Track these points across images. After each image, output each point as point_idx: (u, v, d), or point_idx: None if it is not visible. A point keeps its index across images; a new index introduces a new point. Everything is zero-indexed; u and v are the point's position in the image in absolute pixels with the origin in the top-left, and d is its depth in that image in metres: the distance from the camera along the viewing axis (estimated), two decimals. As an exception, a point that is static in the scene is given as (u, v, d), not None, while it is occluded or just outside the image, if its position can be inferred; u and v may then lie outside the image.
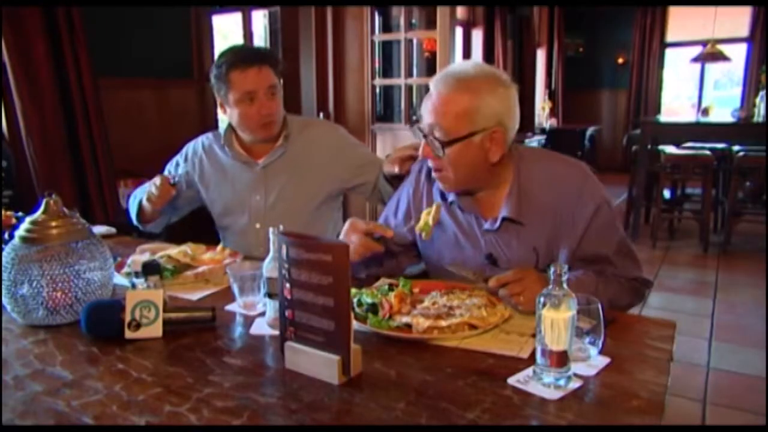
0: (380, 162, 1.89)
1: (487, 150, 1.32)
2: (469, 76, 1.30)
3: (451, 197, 1.43)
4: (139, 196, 1.88)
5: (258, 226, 1.87)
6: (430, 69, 4.90)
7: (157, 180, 1.76)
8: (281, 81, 1.84)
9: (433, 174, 1.40)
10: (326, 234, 1.97)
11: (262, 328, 1.21)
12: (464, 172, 1.34)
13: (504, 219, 1.36)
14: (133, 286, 1.34)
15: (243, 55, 1.78)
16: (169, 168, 2.01)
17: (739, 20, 7.50)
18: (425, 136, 1.33)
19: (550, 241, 1.36)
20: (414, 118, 1.38)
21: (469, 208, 1.42)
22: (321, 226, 1.95)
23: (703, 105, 6.30)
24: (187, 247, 1.63)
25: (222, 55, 1.81)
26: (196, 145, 2.00)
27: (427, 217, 1.38)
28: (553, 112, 8.22)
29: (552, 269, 0.95)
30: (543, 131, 7.67)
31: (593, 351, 1.03)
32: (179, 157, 2.01)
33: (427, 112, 1.31)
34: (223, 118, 1.96)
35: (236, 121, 1.83)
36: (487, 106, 1.28)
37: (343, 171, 1.92)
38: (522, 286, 1.20)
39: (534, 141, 6.69)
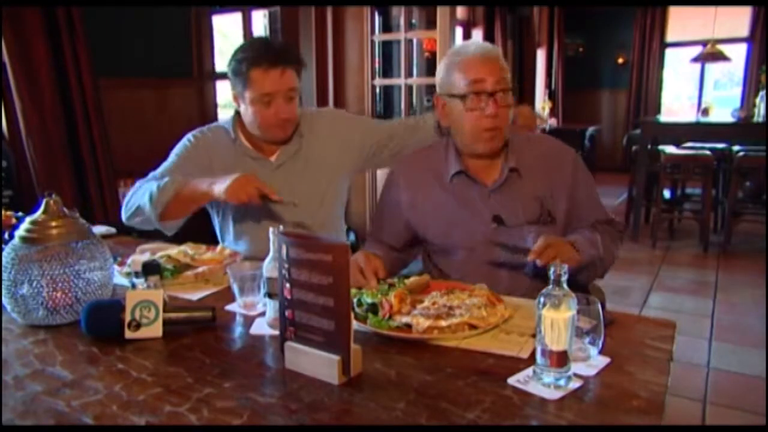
0: (379, 124, 1.96)
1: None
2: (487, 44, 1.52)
3: (455, 169, 1.52)
4: (171, 188, 1.61)
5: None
6: (430, 69, 4.90)
7: (257, 182, 1.55)
8: (301, 81, 1.75)
9: (486, 137, 1.46)
10: (343, 217, 1.97)
11: (262, 328, 1.20)
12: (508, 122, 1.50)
13: (510, 170, 1.49)
14: (133, 286, 1.35)
15: (267, 54, 1.65)
16: (179, 153, 1.81)
17: (739, 20, 7.49)
18: (492, 95, 1.41)
19: (548, 192, 1.51)
20: (455, 93, 1.44)
21: (475, 174, 1.52)
22: (338, 214, 1.93)
23: (703, 105, 6.29)
24: (187, 247, 1.63)
25: (243, 48, 1.70)
26: (206, 139, 1.83)
27: (417, 278, 1.39)
28: (553, 112, 8.22)
29: (552, 269, 0.95)
30: (543, 131, 7.67)
31: (593, 351, 1.03)
32: (188, 146, 1.81)
33: (490, 71, 1.41)
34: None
35: (249, 120, 1.75)
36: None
37: (355, 156, 1.90)
38: (555, 250, 1.29)
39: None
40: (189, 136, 1.86)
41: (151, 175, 1.77)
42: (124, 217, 1.75)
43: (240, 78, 1.68)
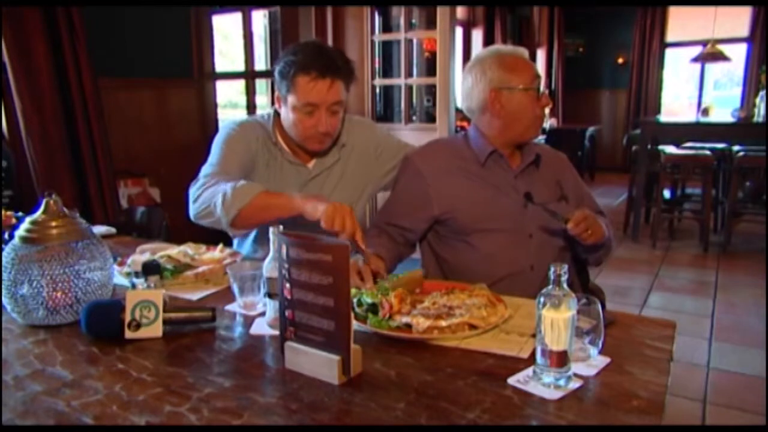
0: (407, 146, 1.92)
1: None
2: None
3: (491, 148, 1.65)
4: (249, 194, 1.47)
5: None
6: (430, 69, 4.90)
7: (354, 218, 1.40)
8: (348, 94, 1.67)
9: (539, 124, 1.67)
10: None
11: (262, 328, 1.21)
12: None
13: (537, 155, 1.68)
14: (133, 286, 1.35)
15: (318, 62, 1.57)
16: (227, 141, 1.69)
17: (739, 20, 7.50)
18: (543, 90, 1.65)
19: (560, 179, 1.71)
20: (536, 86, 1.62)
21: (510, 156, 1.68)
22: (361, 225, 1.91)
23: (703, 105, 6.30)
24: (187, 247, 1.63)
25: (294, 51, 1.61)
26: (252, 130, 1.73)
27: (411, 272, 1.40)
28: (553, 112, 8.22)
29: (552, 269, 0.95)
30: (543, 131, 7.66)
31: (593, 351, 1.03)
32: (235, 135, 1.70)
33: (537, 73, 1.64)
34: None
35: (288, 125, 1.68)
36: None
37: (382, 173, 1.87)
38: (588, 223, 1.47)
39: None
40: (233, 125, 1.74)
41: (203, 171, 1.63)
42: (192, 215, 1.58)
43: (285, 81, 1.60)
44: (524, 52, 1.66)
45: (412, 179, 1.69)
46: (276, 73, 1.64)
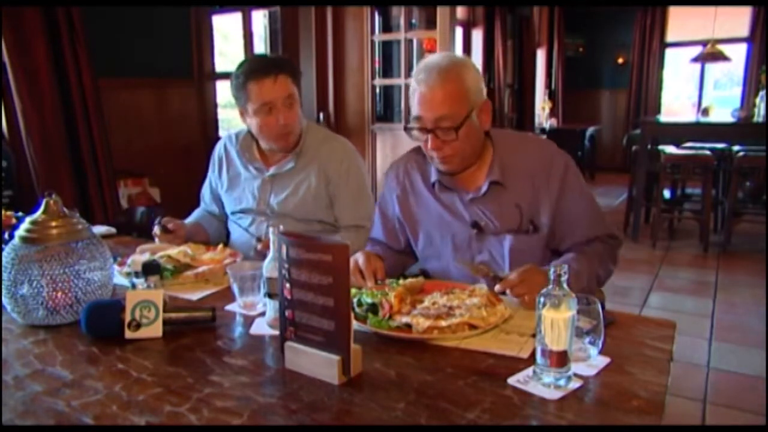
0: (345, 208, 1.90)
1: (482, 122, 1.47)
2: (447, 65, 1.41)
3: (434, 177, 1.54)
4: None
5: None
6: (430, 69, 4.90)
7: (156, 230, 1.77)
8: (299, 90, 1.84)
9: (437, 162, 1.48)
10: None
11: (262, 328, 1.21)
12: (471, 147, 1.46)
13: (492, 183, 1.48)
14: (133, 286, 1.35)
15: (259, 65, 1.78)
16: (209, 174, 2.06)
17: (739, 20, 7.49)
18: (431, 131, 1.41)
19: (530, 201, 1.48)
20: (408, 125, 1.46)
21: (452, 186, 1.53)
22: (324, 228, 1.94)
23: (703, 105, 6.30)
24: (187, 247, 1.63)
25: (240, 65, 1.81)
26: (220, 151, 2.03)
27: (413, 280, 1.38)
28: (553, 112, 8.22)
29: (552, 269, 0.95)
30: (543, 131, 7.67)
31: (593, 351, 1.03)
32: (211, 164, 2.05)
33: (427, 110, 1.40)
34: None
35: (255, 131, 1.85)
36: (472, 84, 1.43)
37: (323, 205, 1.89)
38: (526, 287, 1.25)
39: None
40: (213, 154, 2.06)
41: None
42: None
43: (241, 93, 1.78)
44: (431, 83, 1.38)
45: (385, 191, 1.68)
46: (232, 91, 1.82)
